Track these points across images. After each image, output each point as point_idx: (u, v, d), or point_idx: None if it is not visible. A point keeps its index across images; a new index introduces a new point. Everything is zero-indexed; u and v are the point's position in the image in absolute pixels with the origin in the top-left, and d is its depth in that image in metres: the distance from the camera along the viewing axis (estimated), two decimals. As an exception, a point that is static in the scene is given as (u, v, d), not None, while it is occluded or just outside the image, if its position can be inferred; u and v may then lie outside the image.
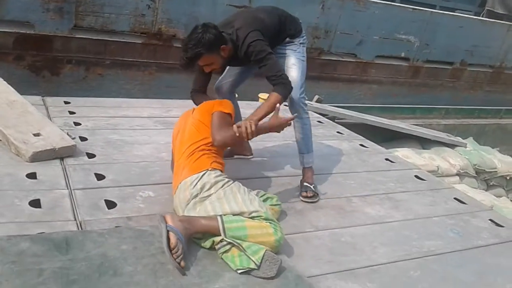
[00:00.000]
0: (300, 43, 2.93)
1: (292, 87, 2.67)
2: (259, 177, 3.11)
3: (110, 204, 2.46)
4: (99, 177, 2.73)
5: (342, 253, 2.36)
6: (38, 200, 2.37)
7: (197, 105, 2.76)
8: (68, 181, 2.62)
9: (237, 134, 2.33)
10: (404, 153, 4.97)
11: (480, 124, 7.21)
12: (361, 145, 4.10)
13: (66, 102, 3.93)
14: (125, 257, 1.99)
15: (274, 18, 2.80)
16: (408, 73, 8.50)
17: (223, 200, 2.19)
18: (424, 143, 5.88)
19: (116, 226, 2.25)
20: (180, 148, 2.46)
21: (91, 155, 2.99)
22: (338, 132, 4.37)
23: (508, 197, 5.64)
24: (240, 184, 2.32)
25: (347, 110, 5.42)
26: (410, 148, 5.43)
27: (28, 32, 5.21)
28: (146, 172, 2.89)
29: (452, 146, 5.80)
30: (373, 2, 7.51)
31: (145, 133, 3.54)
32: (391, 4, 7.95)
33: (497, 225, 2.95)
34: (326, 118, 4.88)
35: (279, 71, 2.62)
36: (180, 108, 4.15)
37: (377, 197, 3.07)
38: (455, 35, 8.25)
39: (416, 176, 3.55)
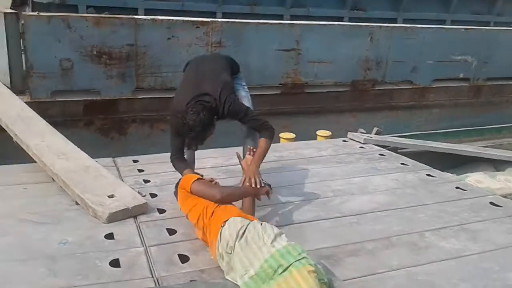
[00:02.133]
0: (241, 77, 3.42)
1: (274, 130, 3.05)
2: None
3: (183, 258, 2.55)
4: (171, 232, 2.84)
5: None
6: (117, 259, 2.51)
7: (177, 169, 3.15)
8: (143, 238, 2.75)
9: (253, 185, 2.75)
10: (476, 178, 4.76)
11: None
12: (428, 175, 3.98)
13: (134, 161, 4.16)
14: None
15: (227, 67, 3.25)
16: (470, 93, 8.24)
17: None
18: (497, 165, 5.59)
19: (191, 280, 2.32)
20: None
21: (161, 211, 3.13)
22: (402, 163, 4.28)
23: None
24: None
25: (409, 139, 5.31)
26: (482, 172, 5.18)
27: (95, 98, 5.62)
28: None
29: (513, 165, 5.47)
30: (422, 27, 7.45)
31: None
32: (441, 27, 7.85)
33: None
34: (388, 150, 4.81)
35: (263, 120, 3.06)
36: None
37: (451, 229, 2.96)
38: (515, 48, 7.96)
39: (491, 203, 3.38)
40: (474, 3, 9.12)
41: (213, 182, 2.84)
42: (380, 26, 7.05)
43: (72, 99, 5.50)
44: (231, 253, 2.25)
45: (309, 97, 6.80)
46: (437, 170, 4.09)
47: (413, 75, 7.54)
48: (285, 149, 4.70)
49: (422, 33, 7.36)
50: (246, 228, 2.29)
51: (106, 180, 3.36)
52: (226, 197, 2.62)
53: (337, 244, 2.70)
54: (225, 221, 2.39)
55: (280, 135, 5.39)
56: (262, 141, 3.00)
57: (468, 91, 8.21)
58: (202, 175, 2.90)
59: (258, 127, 3.05)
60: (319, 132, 5.63)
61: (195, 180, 2.71)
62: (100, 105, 5.65)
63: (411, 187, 3.68)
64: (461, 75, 8.06)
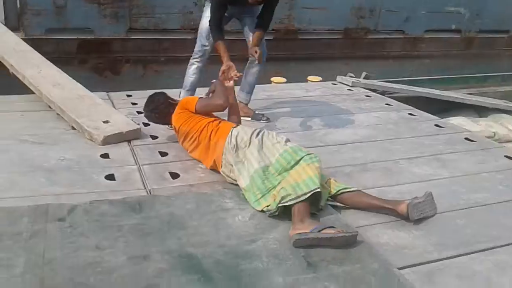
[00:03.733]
0: None
1: None
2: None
3: (174, 175, 2.74)
4: (163, 154, 3.03)
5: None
6: (112, 174, 2.70)
7: (213, 36, 3.44)
8: (136, 158, 2.94)
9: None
10: (458, 122, 4.93)
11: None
12: (410, 114, 4.16)
13: (128, 95, 4.29)
14: (190, 214, 2.26)
15: None
16: (461, 45, 8.32)
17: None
18: (480, 111, 5.77)
19: (180, 192, 2.52)
20: None
21: (154, 137, 3.30)
22: (386, 104, 4.46)
23: None
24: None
25: (397, 84, 5.44)
26: (465, 116, 5.37)
27: (89, 37, 5.68)
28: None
29: (510, 112, 5.66)
30: (416, -26, 7.45)
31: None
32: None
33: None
34: (376, 93, 4.95)
35: None
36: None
37: (425, 158, 3.17)
38: (507, 1, 7.97)
39: (466, 138, 3.59)
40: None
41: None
42: (373, -28, 7.05)
43: (66, 37, 5.56)
44: (245, 147, 2.52)
45: (302, 43, 6.88)
46: (419, 110, 4.27)
47: (406, 24, 7.60)
48: (275, 89, 4.84)
49: (416, -19, 7.37)
50: (260, 131, 2.63)
51: (101, 108, 3.51)
52: (227, 100, 2.86)
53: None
54: (234, 127, 2.67)
55: (272, 79, 5.50)
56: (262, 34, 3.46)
57: (459, 42, 8.29)
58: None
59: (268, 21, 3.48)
60: (309, 78, 5.72)
61: (198, 99, 2.87)
62: (94, 44, 5.73)
63: (392, 124, 3.87)
64: (453, 27, 8.12)
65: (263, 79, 5.63)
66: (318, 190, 2.24)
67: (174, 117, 2.91)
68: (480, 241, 2.23)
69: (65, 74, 4.03)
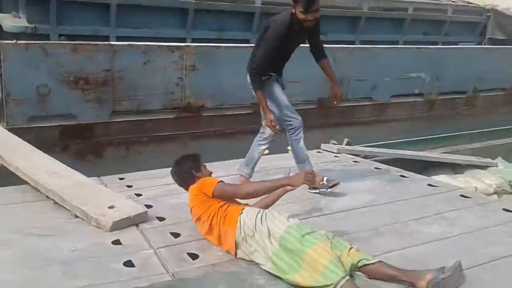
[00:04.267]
0: None
1: None
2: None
3: (193, 256, 2.69)
4: (175, 235, 2.98)
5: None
6: (130, 261, 2.62)
7: (254, 82, 3.69)
8: (149, 242, 2.87)
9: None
10: (439, 180, 5.14)
11: (506, 143, 7.38)
12: (401, 175, 4.31)
13: (121, 178, 4.25)
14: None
15: None
16: (424, 107, 8.80)
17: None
18: (456, 168, 6.04)
19: (205, 273, 2.46)
20: None
21: (161, 218, 3.25)
22: (376, 168, 4.60)
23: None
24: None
25: (378, 148, 5.66)
26: (444, 174, 5.59)
27: (71, 123, 5.67)
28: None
29: (484, 167, 5.95)
30: (379, 47, 8.01)
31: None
32: (396, 47, 8.44)
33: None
34: (360, 158, 5.12)
35: None
36: (222, 169, 4.47)
37: (431, 218, 3.27)
38: (463, 65, 8.64)
39: (462, 195, 3.73)
40: (423, 25, 9.88)
41: None
42: (342, 47, 7.52)
43: (48, 125, 5.53)
44: (253, 235, 2.49)
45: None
46: (408, 172, 4.43)
47: (373, 92, 8.03)
48: (267, 160, 4.91)
49: (380, 53, 7.89)
50: (262, 214, 2.56)
51: (103, 193, 3.46)
52: (252, 193, 2.82)
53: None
54: (242, 210, 2.65)
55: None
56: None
57: (422, 105, 8.78)
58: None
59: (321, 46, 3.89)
60: (290, 148, 5.86)
61: (218, 183, 2.81)
62: (77, 130, 5.71)
63: (388, 186, 3.98)
64: (416, 91, 8.64)
65: (245, 151, 5.76)
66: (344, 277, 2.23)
67: (189, 196, 2.90)
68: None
69: (58, 161, 3.98)
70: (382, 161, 5.13)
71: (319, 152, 5.35)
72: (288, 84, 6.94)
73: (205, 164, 4.16)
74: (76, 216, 3.22)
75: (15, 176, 3.86)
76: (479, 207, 3.47)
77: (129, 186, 4.00)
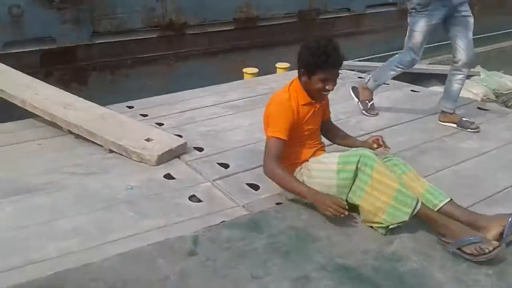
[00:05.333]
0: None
1: None
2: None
3: (255, 187, 2.67)
4: (225, 166, 2.92)
5: (471, 185, 2.65)
6: (194, 195, 2.56)
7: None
8: (202, 174, 2.80)
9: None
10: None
11: (484, 51, 7.61)
12: (412, 90, 4.40)
13: (129, 107, 4.02)
14: (311, 224, 2.23)
15: None
16: (397, 18, 8.80)
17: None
18: (442, 79, 6.19)
19: (277, 203, 2.46)
20: None
21: (199, 149, 3.16)
22: (384, 83, 4.62)
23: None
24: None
25: (371, 62, 5.68)
26: (436, 86, 5.74)
27: (51, 47, 5.20)
28: (258, 153, 3.04)
29: (468, 77, 6.15)
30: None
31: (224, 120, 3.70)
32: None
33: None
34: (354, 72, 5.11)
35: None
36: (231, 92, 4.35)
37: (463, 133, 3.38)
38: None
39: (479, 108, 3.90)
40: None
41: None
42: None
43: (27, 50, 5.05)
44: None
45: (262, 30, 6.87)
46: (417, 86, 4.51)
47: (350, 2, 7.88)
48: (270, 81, 4.80)
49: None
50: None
51: (132, 125, 3.29)
52: (274, 178, 2.37)
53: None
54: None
55: (244, 70, 5.43)
56: None
57: (396, 15, 8.76)
58: None
59: None
60: (278, 65, 5.72)
61: (272, 137, 2.35)
62: (58, 54, 5.26)
63: (406, 103, 4.06)
64: (390, 0, 8.56)
65: (231, 71, 5.59)
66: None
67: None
68: None
69: (66, 92, 3.69)
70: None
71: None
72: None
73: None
74: (111, 151, 3.06)
75: (17, 111, 3.56)
76: (500, 119, 3.63)
77: (144, 115, 3.81)
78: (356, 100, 3.85)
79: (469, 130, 3.40)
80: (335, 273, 1.91)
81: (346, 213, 2.13)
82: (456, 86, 3.50)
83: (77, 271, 1.87)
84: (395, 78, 4.81)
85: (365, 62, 5.65)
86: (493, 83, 5.99)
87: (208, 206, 2.47)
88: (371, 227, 2.20)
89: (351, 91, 3.95)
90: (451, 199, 2.20)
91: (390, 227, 2.13)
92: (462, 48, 3.34)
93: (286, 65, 5.68)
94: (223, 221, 2.29)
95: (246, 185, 2.68)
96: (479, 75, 6.24)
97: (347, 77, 4.90)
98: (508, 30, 8.33)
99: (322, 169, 2.28)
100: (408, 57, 3.49)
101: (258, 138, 3.32)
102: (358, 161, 2.16)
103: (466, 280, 1.89)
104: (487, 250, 1.94)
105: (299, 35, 7.33)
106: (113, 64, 5.69)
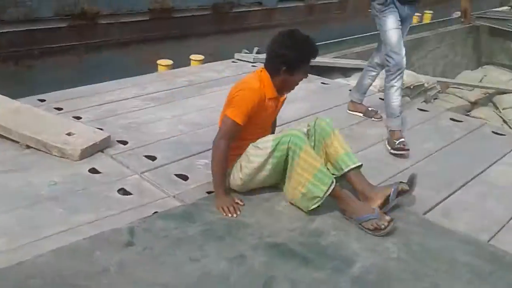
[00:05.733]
0: None
1: None
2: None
3: (184, 177, 2.74)
4: (152, 158, 2.95)
5: (377, 167, 2.95)
6: (123, 188, 2.57)
7: None
8: (129, 167, 2.82)
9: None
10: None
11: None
12: (322, 83, 4.69)
13: (41, 100, 3.86)
14: (242, 214, 2.35)
15: None
16: (305, 13, 9.20)
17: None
18: (344, 72, 6.64)
19: (208, 192, 2.56)
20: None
21: (124, 142, 3.15)
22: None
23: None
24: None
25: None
26: (339, 78, 6.15)
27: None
28: (183, 144, 3.16)
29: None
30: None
31: (145, 113, 3.70)
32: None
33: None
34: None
35: None
36: (150, 84, 4.34)
37: (368, 121, 3.71)
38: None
39: (380, 98, 4.27)
40: None
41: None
42: None
43: None
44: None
45: (177, 21, 6.84)
46: (326, 78, 4.82)
47: (262, -4, 8.11)
48: (187, 73, 4.85)
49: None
50: None
51: (50, 119, 3.18)
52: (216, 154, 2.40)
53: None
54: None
55: (158, 62, 5.41)
56: None
57: (304, 10, 9.16)
58: None
59: None
60: (192, 57, 5.77)
61: (231, 120, 2.37)
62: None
63: (320, 94, 4.34)
64: (298, -5, 8.93)
65: (144, 63, 5.54)
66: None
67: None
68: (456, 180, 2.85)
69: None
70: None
71: (234, 62, 5.42)
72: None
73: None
74: (28, 147, 2.95)
75: None
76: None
77: (58, 109, 3.68)
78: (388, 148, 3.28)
79: (373, 119, 3.75)
80: (267, 250, 2.08)
81: (235, 215, 2.30)
82: (368, 81, 3.79)
83: (10, 270, 1.84)
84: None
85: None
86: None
87: (139, 198, 2.50)
88: (297, 206, 2.40)
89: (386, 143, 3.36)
90: (361, 165, 2.48)
91: (312, 207, 2.33)
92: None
93: (201, 57, 5.73)
94: (156, 212, 2.35)
95: (175, 176, 2.75)
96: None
97: (262, 69, 5.09)
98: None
99: (259, 154, 2.37)
100: (393, 61, 3.25)
101: (182, 130, 3.41)
102: (289, 141, 2.30)
103: (377, 249, 2.15)
104: (383, 226, 2.22)
105: (212, 27, 7.42)
106: (18, 54, 5.36)
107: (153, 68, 5.26)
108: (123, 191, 2.56)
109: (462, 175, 2.93)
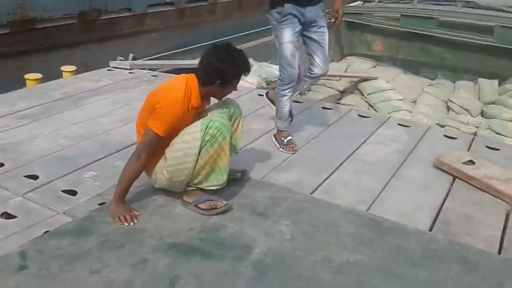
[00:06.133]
0: None
1: None
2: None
3: (72, 192, 2.65)
4: (33, 177, 2.79)
5: (263, 158, 3.14)
6: (6, 212, 2.42)
7: None
8: (9, 189, 2.65)
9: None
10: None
11: (254, 45, 8.54)
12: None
13: None
14: (137, 221, 2.36)
15: None
16: (176, 17, 9.25)
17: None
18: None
19: (99, 204, 2.51)
20: None
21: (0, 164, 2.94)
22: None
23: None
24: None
25: (162, 60, 5.92)
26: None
27: None
28: (67, 159, 3.05)
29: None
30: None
31: (20, 131, 3.48)
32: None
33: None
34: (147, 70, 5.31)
35: None
36: (21, 100, 4.09)
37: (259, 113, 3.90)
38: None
39: (259, 94, 4.50)
40: None
41: None
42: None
43: None
44: None
45: (41, 32, 6.45)
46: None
47: (131, 2, 7.97)
48: (61, 85, 4.63)
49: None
50: None
51: None
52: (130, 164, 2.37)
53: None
54: None
55: (25, 76, 5.10)
56: None
57: (174, 14, 9.20)
58: None
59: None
60: (63, 68, 5.53)
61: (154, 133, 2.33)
62: None
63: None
64: (167, 0, 8.94)
65: (10, 78, 5.18)
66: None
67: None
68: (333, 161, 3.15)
69: None
70: (170, 72, 5.47)
71: (110, 70, 5.29)
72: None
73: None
74: None
75: None
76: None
77: None
78: (277, 145, 3.39)
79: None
80: (169, 251, 2.12)
81: (132, 224, 2.31)
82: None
83: None
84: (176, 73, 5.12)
85: (155, 61, 5.86)
86: (264, 73, 6.87)
87: (25, 220, 2.37)
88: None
89: (273, 138, 3.48)
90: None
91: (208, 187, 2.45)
92: (317, 63, 3.26)
93: (73, 68, 5.50)
94: (47, 231, 2.25)
95: (62, 192, 2.65)
96: (252, 66, 7.08)
97: (141, 76, 5.06)
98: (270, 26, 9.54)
99: (187, 141, 2.34)
100: (286, 73, 3.22)
101: (63, 144, 3.28)
102: (217, 127, 2.31)
103: (272, 232, 2.32)
104: (219, 206, 2.42)
105: (81, 36, 7.13)
106: None
107: (21, 84, 4.93)
108: (6, 215, 2.41)
109: (338, 156, 3.24)
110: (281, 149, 3.32)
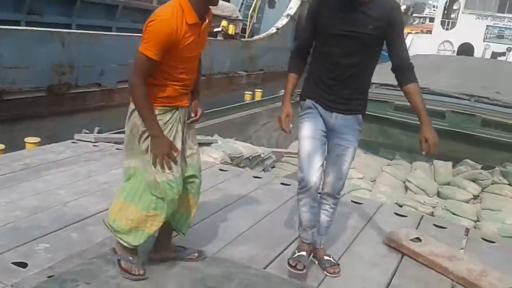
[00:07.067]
0: None
1: None
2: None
3: (22, 265, 2.61)
4: (-14, 251, 2.75)
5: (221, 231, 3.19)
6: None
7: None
8: (-45, 262, 2.59)
9: None
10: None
11: (219, 122, 8.79)
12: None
13: None
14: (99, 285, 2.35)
15: None
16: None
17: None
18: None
19: (48, 277, 2.48)
20: None
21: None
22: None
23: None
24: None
25: (123, 134, 6.00)
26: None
27: None
28: (21, 230, 3.01)
29: (208, 144, 7.11)
30: (105, 34, 8.22)
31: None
32: (120, 35, 8.80)
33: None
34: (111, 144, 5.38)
35: None
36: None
37: (209, 191, 3.99)
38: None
39: (220, 169, 4.61)
40: (133, 13, 10.47)
41: None
42: (69, 32, 7.40)
43: None
44: None
45: (8, 104, 6.53)
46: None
47: (101, 77, 8.21)
48: (23, 156, 4.64)
49: (105, 39, 8.11)
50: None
51: None
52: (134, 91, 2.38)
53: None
54: None
55: None
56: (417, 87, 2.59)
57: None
58: None
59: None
60: (27, 139, 5.53)
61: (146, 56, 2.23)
62: None
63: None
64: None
65: None
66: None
67: None
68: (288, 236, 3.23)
69: None
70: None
71: (74, 142, 5.34)
72: (11, 70, 6.53)
73: None
74: None
75: None
76: (236, 177, 4.41)
77: None
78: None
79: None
80: None
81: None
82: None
83: None
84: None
85: (121, 134, 5.95)
86: (228, 149, 7.05)
87: (-32, 295, 2.32)
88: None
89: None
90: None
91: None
92: (327, 180, 2.73)
93: (36, 139, 5.50)
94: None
95: (12, 264, 2.61)
96: (217, 142, 7.27)
97: (105, 149, 5.12)
98: (235, 104, 9.91)
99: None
100: (299, 175, 2.65)
101: (18, 215, 3.25)
102: (161, 207, 2.44)
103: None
104: (134, 272, 2.48)
105: (49, 109, 7.24)
106: None
107: (-17, 154, 4.90)
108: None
109: (293, 231, 3.32)
110: (288, 260, 2.74)
